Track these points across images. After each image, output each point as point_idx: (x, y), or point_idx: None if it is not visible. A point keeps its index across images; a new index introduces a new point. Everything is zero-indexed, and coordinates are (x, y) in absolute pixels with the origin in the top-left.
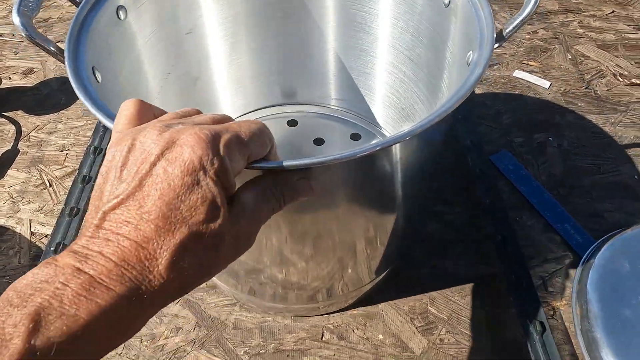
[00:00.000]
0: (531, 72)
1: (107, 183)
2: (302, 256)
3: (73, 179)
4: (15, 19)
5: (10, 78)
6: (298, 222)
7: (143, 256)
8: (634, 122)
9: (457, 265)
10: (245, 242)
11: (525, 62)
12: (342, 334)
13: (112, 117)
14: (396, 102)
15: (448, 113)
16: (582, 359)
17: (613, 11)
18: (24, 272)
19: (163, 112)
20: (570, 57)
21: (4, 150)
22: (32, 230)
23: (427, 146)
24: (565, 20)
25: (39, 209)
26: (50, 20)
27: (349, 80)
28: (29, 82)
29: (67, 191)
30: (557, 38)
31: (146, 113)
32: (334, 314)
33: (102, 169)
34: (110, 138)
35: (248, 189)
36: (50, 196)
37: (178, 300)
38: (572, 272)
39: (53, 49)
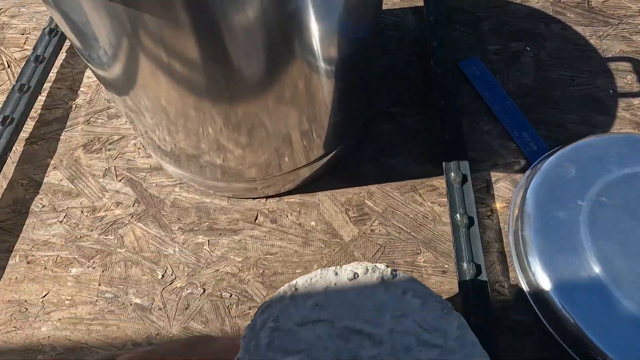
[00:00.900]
0: None
1: None
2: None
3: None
4: None
5: None
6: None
7: None
8: (623, 36)
9: (403, 164)
10: None
11: None
12: (275, 219)
13: None
14: None
15: None
16: (509, 257)
17: None
18: None
19: None
20: None
21: None
22: None
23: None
24: None
25: None
26: None
27: None
28: None
29: None
30: None
31: None
32: (271, 200)
33: None
34: None
35: None
36: (8, 76)
37: (121, 177)
38: (519, 177)
39: None
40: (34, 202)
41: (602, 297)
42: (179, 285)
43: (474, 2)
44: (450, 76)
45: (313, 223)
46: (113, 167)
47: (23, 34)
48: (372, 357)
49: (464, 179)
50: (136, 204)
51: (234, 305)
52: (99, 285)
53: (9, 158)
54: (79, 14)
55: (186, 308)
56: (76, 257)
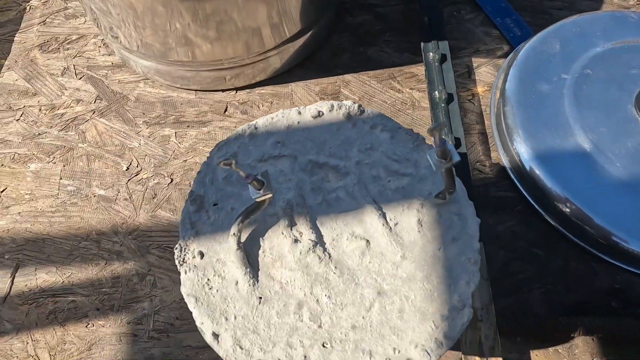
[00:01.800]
0: None
1: None
2: None
3: None
4: None
5: None
6: None
7: None
8: None
9: (381, 53)
10: None
11: None
12: (246, 110)
13: None
14: None
15: None
16: (491, 137)
17: None
18: None
19: None
20: None
21: None
22: None
23: None
24: None
25: None
26: None
27: None
28: None
29: None
30: None
31: None
32: (241, 92)
33: None
34: None
35: None
36: None
37: (81, 75)
38: (501, 62)
39: None
40: None
41: (586, 164)
42: (145, 176)
43: None
44: None
45: None
46: (72, 66)
47: None
48: (338, 187)
49: (443, 58)
50: (98, 101)
51: None
52: (60, 179)
53: None
54: None
55: (153, 197)
56: (35, 153)
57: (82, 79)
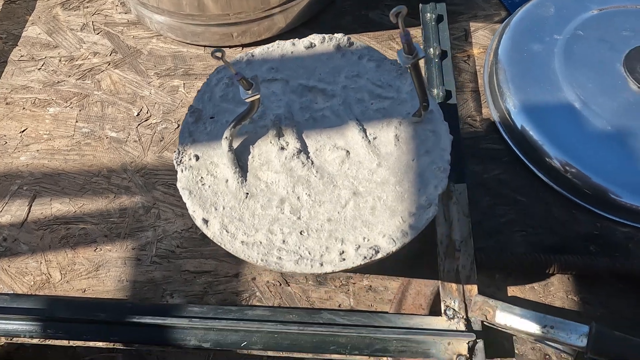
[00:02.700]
0: None
1: None
2: None
3: None
4: None
5: None
6: None
7: None
8: None
9: (382, 16)
10: None
11: None
12: None
13: None
14: None
15: None
16: (483, 95)
17: None
18: None
19: None
20: None
21: None
22: None
23: None
24: None
25: None
26: None
27: None
28: None
29: None
30: None
31: None
32: (248, 48)
33: None
34: None
35: None
36: None
37: (99, 31)
38: (498, 27)
39: None
40: (12, 53)
41: (571, 118)
42: (154, 121)
43: None
44: None
45: None
46: (91, 22)
47: None
48: (325, 107)
49: (440, 19)
50: (113, 54)
51: None
52: (76, 122)
53: None
54: None
55: (161, 140)
56: (54, 98)
57: (100, 34)
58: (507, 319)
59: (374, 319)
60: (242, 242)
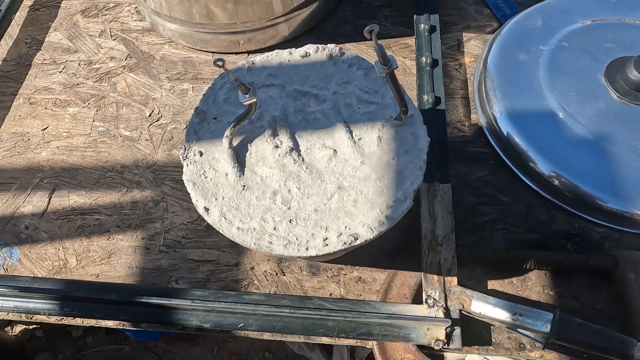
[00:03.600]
0: None
1: None
2: None
3: None
4: None
5: None
6: None
7: None
8: None
9: (380, 26)
10: None
11: None
12: None
13: None
14: None
15: None
16: (472, 101)
17: None
18: None
19: None
20: None
21: None
22: None
23: None
24: None
25: None
26: None
27: None
28: None
29: None
30: None
31: None
32: (253, 55)
33: None
34: None
35: None
36: None
37: (115, 37)
38: (489, 37)
39: None
40: (36, 57)
41: (553, 123)
42: (164, 122)
43: None
44: None
45: None
46: (108, 29)
47: None
48: (316, 110)
49: (433, 29)
50: (128, 58)
51: None
52: (93, 121)
53: (13, 20)
54: None
55: (170, 139)
56: (73, 99)
57: (116, 40)
58: (482, 307)
59: (360, 306)
60: (238, 228)
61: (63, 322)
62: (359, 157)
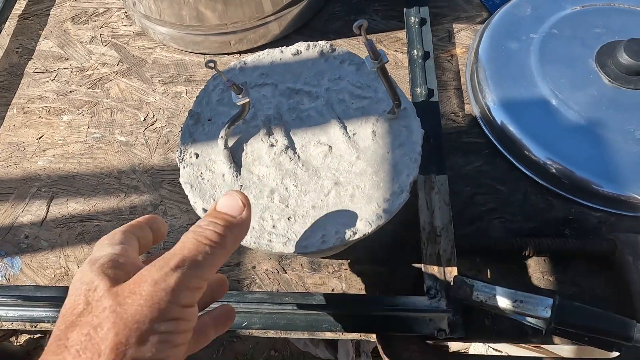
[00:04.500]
0: None
1: None
2: None
3: None
4: None
5: None
6: None
7: None
8: None
9: (370, 20)
10: None
11: None
12: None
13: None
14: None
15: None
16: (465, 92)
17: None
18: None
19: None
20: None
21: None
22: None
23: None
24: None
25: None
26: None
27: None
28: None
29: None
30: None
31: None
32: (245, 55)
33: None
34: None
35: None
36: None
37: (106, 43)
38: (479, 27)
39: None
40: (27, 66)
41: (545, 110)
42: (159, 125)
43: None
44: None
45: None
46: (99, 35)
47: None
48: (310, 108)
49: (423, 22)
50: (120, 64)
51: None
52: (88, 128)
53: (3, 30)
54: None
55: (166, 143)
56: (67, 107)
57: (107, 45)
58: (483, 296)
59: (362, 300)
60: None
61: None
62: (354, 152)
